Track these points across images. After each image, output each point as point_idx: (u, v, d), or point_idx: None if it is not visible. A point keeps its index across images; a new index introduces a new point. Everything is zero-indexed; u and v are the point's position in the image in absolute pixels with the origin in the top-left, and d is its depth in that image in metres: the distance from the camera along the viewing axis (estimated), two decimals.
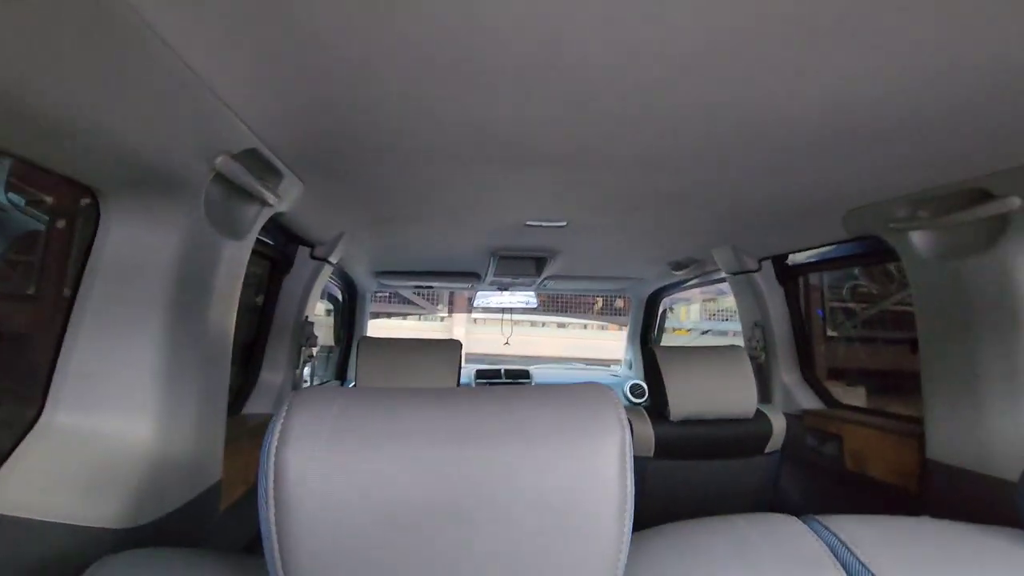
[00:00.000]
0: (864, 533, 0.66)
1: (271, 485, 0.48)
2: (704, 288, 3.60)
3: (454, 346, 1.66)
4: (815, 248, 1.81)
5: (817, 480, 1.77)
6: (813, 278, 2.17)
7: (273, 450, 0.49)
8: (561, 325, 10.80)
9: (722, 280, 2.44)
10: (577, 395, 0.53)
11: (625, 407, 1.73)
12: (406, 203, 1.53)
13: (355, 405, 0.53)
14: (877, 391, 2.14)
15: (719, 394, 1.62)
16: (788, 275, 2.02)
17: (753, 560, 0.60)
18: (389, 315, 9.34)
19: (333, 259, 1.87)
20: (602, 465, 0.48)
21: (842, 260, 1.81)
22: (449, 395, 0.54)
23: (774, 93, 0.82)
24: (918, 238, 1.31)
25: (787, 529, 0.66)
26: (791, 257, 1.99)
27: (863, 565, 0.63)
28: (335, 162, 1.18)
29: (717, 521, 0.68)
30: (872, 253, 1.64)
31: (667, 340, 3.91)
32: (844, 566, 0.63)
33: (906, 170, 1.12)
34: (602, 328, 10.68)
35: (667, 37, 0.68)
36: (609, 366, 4.12)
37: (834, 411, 1.87)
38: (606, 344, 8.52)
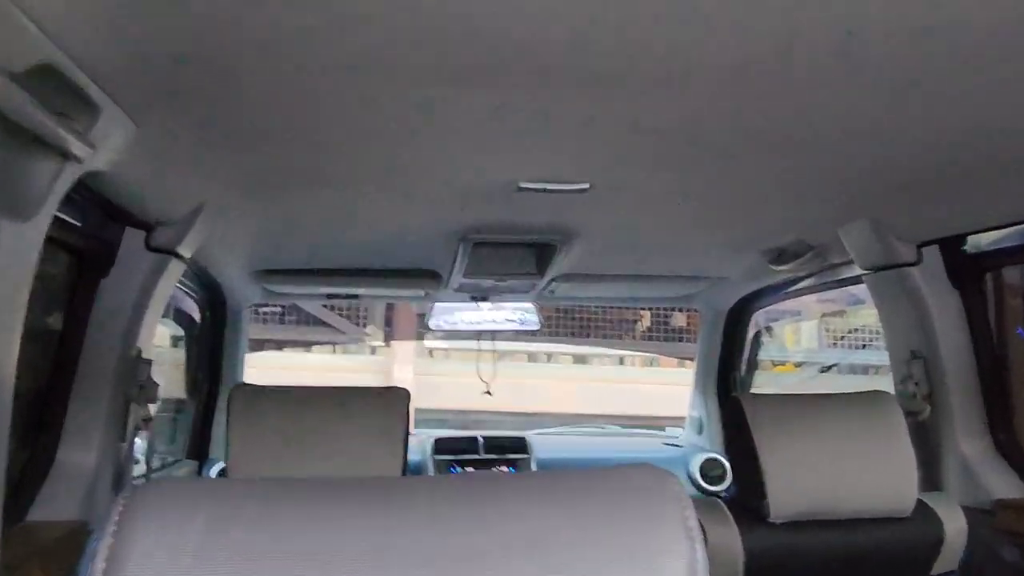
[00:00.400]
0: None
1: None
2: (823, 294, 3.67)
3: (396, 399, 1.73)
4: (1014, 225, 1.85)
5: None
6: (1012, 275, 2.21)
7: None
8: (580, 359, 10.93)
9: (855, 280, 2.49)
10: (615, 488, 0.55)
11: (694, 500, 1.79)
12: (310, 154, 1.56)
13: (233, 516, 0.54)
14: None
15: (852, 478, 1.67)
16: (969, 271, 2.07)
17: None
18: (282, 345, 9.39)
19: (185, 251, 1.89)
20: None
21: None
22: (397, 496, 0.55)
23: None
24: None
25: None
26: (972, 241, 2.03)
27: None
28: (188, 87, 1.20)
29: None
30: None
31: (764, 383, 3.94)
32: None
33: None
34: (649, 363, 10.79)
35: None
36: (663, 428, 4.16)
37: None
38: (657, 390, 8.59)
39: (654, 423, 4.79)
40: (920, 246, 2.06)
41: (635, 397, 9.04)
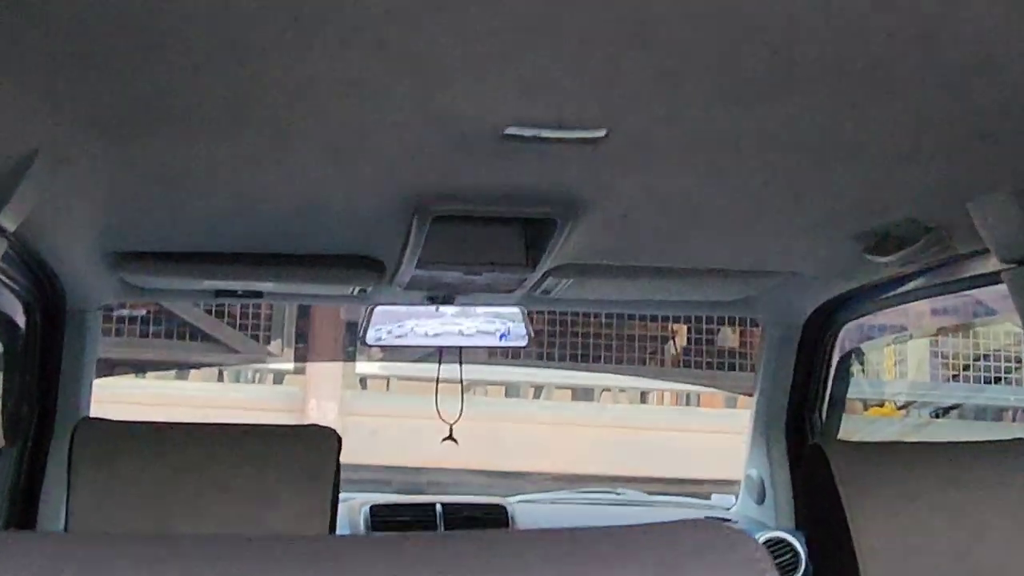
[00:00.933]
0: None
1: None
2: (936, 305, 3.71)
3: (319, 443, 1.75)
4: None
5: None
6: None
7: None
8: (584, 393, 11.07)
9: (990, 280, 2.53)
10: (665, 551, 0.56)
11: None
12: (196, 82, 1.58)
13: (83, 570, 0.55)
14: None
15: (991, 567, 1.69)
16: None
17: None
18: (143, 368, 9.36)
19: (8, 222, 1.91)
20: None
21: None
22: (315, 561, 0.56)
23: None
24: None
25: None
26: None
27: None
28: None
29: None
30: None
31: (851, 434, 3.95)
32: None
33: None
34: (686, 400, 10.89)
35: None
36: (709, 496, 4.24)
37: None
38: (698, 441, 8.65)
39: (694, 489, 4.84)
40: None
41: (665, 450, 9.15)
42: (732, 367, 9.80)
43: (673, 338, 10.70)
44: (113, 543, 0.62)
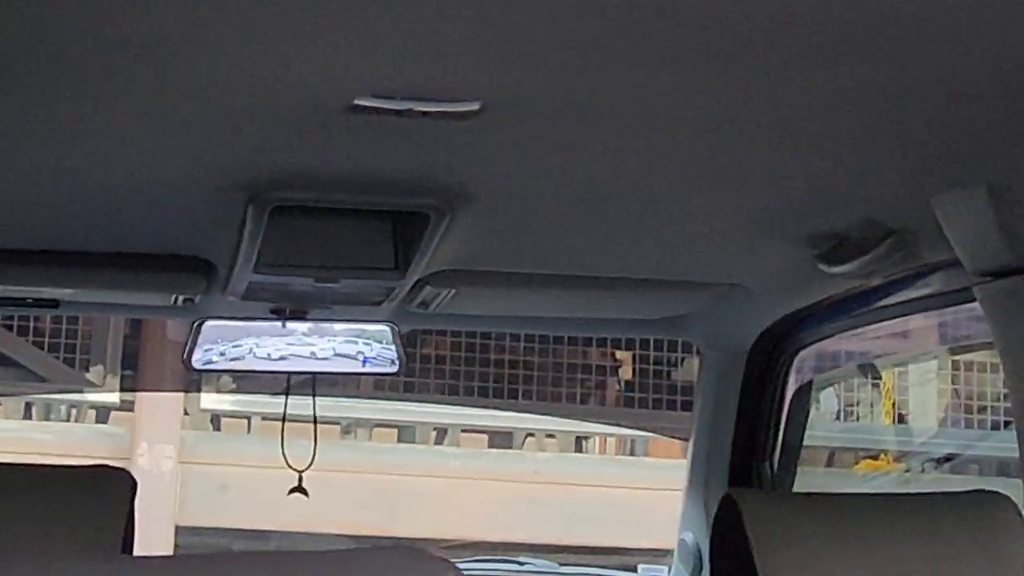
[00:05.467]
0: None
1: None
2: (949, 324, 3.80)
3: (106, 487, 1.78)
4: None
5: None
6: None
7: None
8: (502, 437, 11.00)
9: (962, 297, 2.62)
10: (368, 571, 0.64)
11: None
12: None
13: None
14: None
15: None
16: None
17: None
18: None
19: None
20: None
21: None
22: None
23: None
24: None
25: None
26: None
27: None
28: None
29: None
30: None
31: (829, 487, 4.00)
32: None
33: None
34: (628, 449, 10.94)
35: None
36: (635, 568, 4.31)
37: None
38: (646, 498, 8.70)
39: (623, 559, 4.92)
40: None
41: (604, 512, 9.19)
42: (689, 406, 9.76)
43: (620, 368, 10.73)
44: None
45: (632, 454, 10.95)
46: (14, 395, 9.56)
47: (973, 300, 2.44)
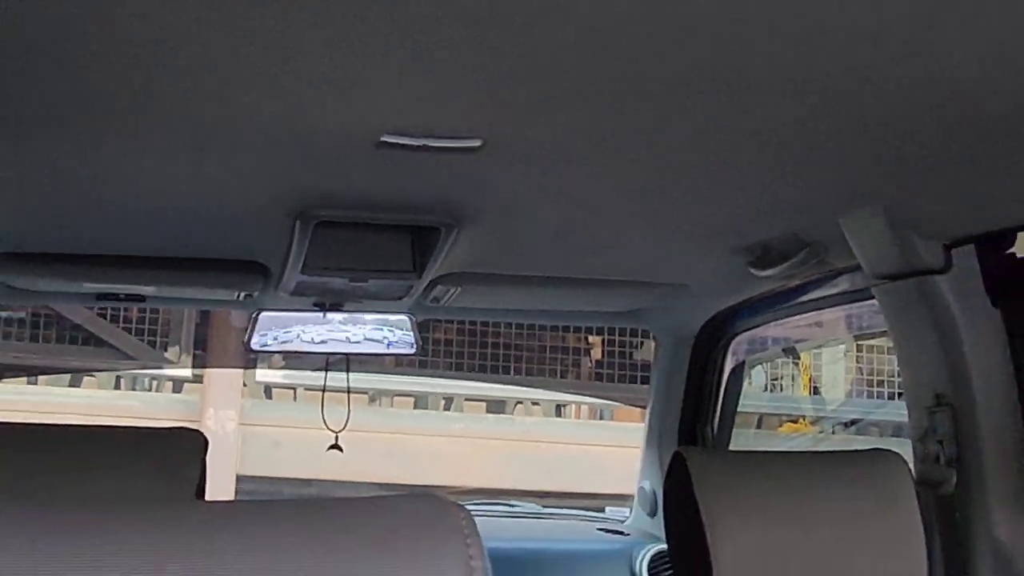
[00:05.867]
0: None
1: None
2: (856, 315, 3.78)
3: (182, 445, 1.78)
4: None
5: None
6: None
7: None
8: (497, 405, 10.96)
9: (864, 295, 2.63)
10: (388, 518, 0.65)
11: None
12: (71, 79, 1.59)
13: None
14: None
15: (837, 570, 1.78)
16: (1016, 282, 2.21)
17: None
18: (32, 373, 9.16)
19: None
20: None
21: None
22: (134, 516, 0.65)
23: None
24: None
25: None
26: (1021, 240, 2.18)
27: None
28: None
29: None
30: None
31: (756, 442, 4.01)
32: None
33: None
34: (599, 416, 10.90)
35: None
36: (603, 509, 4.29)
37: None
38: (612, 454, 8.67)
39: (593, 502, 4.90)
40: (949, 246, 2.18)
41: (576, 465, 9.15)
42: (647, 380, 9.72)
43: (590, 351, 10.68)
44: None
45: (601, 419, 10.89)
46: (107, 370, 9.48)
47: (872, 298, 2.45)
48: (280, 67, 1.55)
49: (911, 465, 2.01)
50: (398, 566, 0.63)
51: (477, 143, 1.85)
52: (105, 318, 8.83)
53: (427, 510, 0.67)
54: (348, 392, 3.66)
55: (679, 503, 1.84)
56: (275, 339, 3.44)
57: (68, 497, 1.67)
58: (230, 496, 7.39)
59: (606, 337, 10.02)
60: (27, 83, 1.63)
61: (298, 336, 3.43)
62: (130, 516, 0.66)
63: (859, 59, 1.44)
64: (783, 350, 5.93)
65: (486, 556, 0.64)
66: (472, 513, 2.50)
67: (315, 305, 3.23)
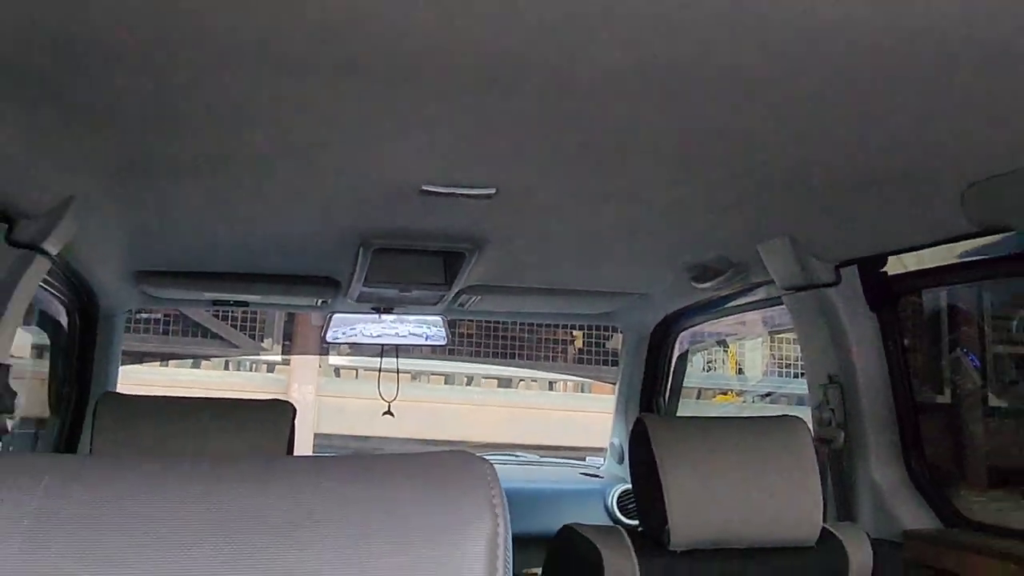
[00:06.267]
0: None
1: None
2: (771, 315, 3.77)
3: (277, 412, 1.77)
4: (928, 246, 2.00)
5: None
6: (955, 299, 2.36)
7: None
8: (505, 382, 10.92)
9: (776, 302, 2.63)
10: (430, 467, 0.65)
11: (599, 529, 1.86)
12: (193, 145, 1.59)
13: (75, 481, 0.62)
14: None
15: (757, 505, 1.76)
16: (887, 294, 2.22)
17: None
18: (166, 359, 9.20)
19: (52, 247, 1.90)
20: (463, 573, 0.60)
21: (966, 268, 2.01)
22: (227, 469, 0.65)
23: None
24: None
25: None
26: (893, 262, 2.19)
27: None
28: (47, 72, 1.22)
29: None
30: (1013, 258, 1.85)
31: (697, 410, 4.01)
32: None
33: None
34: (580, 389, 10.88)
35: None
36: (584, 458, 4.26)
37: (955, 534, 2.06)
38: (590, 418, 8.69)
39: (576, 453, 4.89)
40: (839, 266, 2.19)
41: (564, 426, 9.11)
42: (616, 364, 9.71)
43: (573, 342, 10.63)
44: (119, 466, 0.65)
45: (582, 392, 10.81)
46: (219, 356, 9.47)
47: (781, 304, 2.45)
48: (352, 142, 1.57)
49: (810, 426, 2.00)
50: (436, 507, 0.63)
51: (492, 191, 1.86)
52: (218, 318, 8.82)
53: (458, 462, 0.67)
54: (397, 372, 3.65)
55: (640, 454, 1.83)
56: (343, 333, 3.45)
57: (190, 452, 1.68)
58: (309, 447, 7.37)
59: (586, 332, 9.97)
60: (170, 151, 1.64)
61: (360, 331, 3.43)
62: (235, 467, 0.66)
63: (771, 132, 1.45)
64: (716, 342, 5.94)
65: (504, 495, 0.64)
66: (486, 460, 2.45)
67: (373, 309, 3.21)
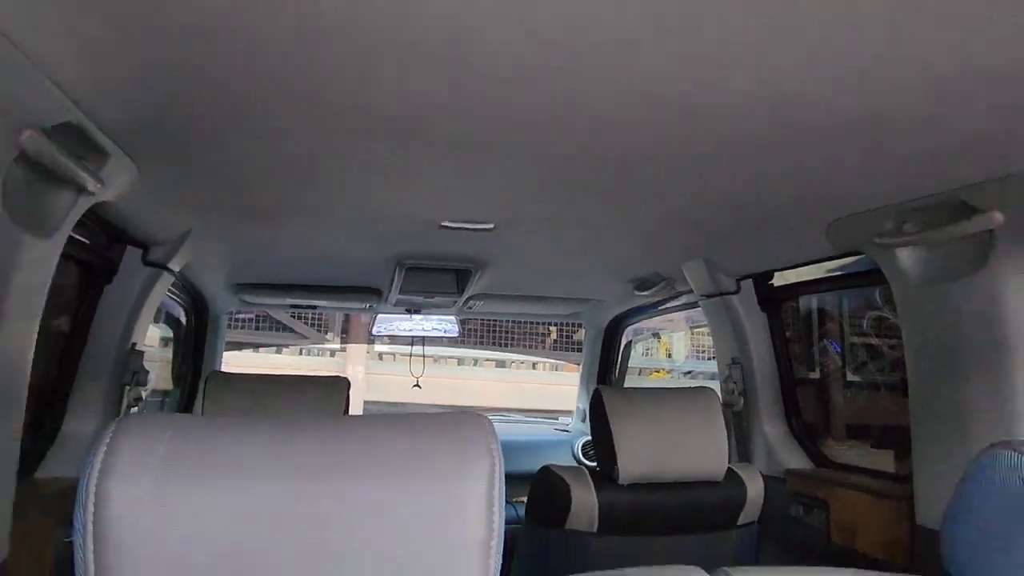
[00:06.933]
0: None
1: (89, 522, 0.56)
2: (691, 315, 3.78)
3: (337, 385, 1.76)
4: (801, 266, 2.02)
5: (801, 558, 1.94)
6: (823, 303, 2.37)
7: (93, 482, 0.57)
8: (501, 363, 10.89)
9: (695, 305, 2.62)
10: (443, 424, 0.65)
11: (568, 469, 1.86)
12: (276, 192, 1.60)
13: (190, 434, 0.62)
14: (902, 451, 2.36)
15: (681, 451, 1.77)
16: (772, 299, 2.22)
17: None
18: (256, 347, 9.17)
19: (175, 266, 1.91)
20: (467, 496, 0.60)
21: (830, 281, 2.02)
22: (297, 426, 0.65)
23: (746, 81, 0.93)
24: (905, 256, 1.52)
25: None
26: (777, 276, 2.19)
27: None
28: (180, 139, 1.23)
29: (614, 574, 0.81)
30: (864, 273, 1.86)
31: (638, 383, 4.04)
32: None
33: (889, 177, 1.31)
34: (555, 368, 10.87)
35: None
36: (558, 418, 4.24)
37: (821, 471, 2.07)
38: (563, 389, 8.67)
39: (552, 414, 4.87)
40: (739, 279, 2.19)
41: (543, 394, 9.08)
42: (580, 350, 9.67)
43: (549, 334, 10.59)
44: (222, 426, 0.66)
45: (556, 371, 10.77)
46: (295, 345, 9.43)
47: (698, 306, 2.44)
48: (391, 192, 1.56)
49: (719, 395, 2.01)
50: (450, 451, 0.64)
51: (491, 226, 1.85)
52: (294, 317, 8.78)
53: (466, 420, 0.67)
54: (423, 356, 3.64)
55: (597, 415, 1.83)
56: (384, 328, 3.42)
57: (274, 413, 1.66)
58: (360, 410, 7.34)
59: (559, 327, 9.95)
60: (263, 198, 1.64)
61: (396, 327, 3.41)
62: (308, 424, 0.66)
63: (688, 185, 1.44)
64: (652, 334, 5.94)
65: (499, 443, 0.65)
66: (487, 418, 2.42)
67: (406, 310, 3.20)
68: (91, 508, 0.57)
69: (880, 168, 1.27)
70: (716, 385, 2.33)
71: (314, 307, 3.21)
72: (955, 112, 1.01)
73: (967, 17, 0.77)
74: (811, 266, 2.00)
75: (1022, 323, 1.33)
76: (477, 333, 9.51)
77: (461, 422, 0.66)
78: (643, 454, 1.75)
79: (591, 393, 1.89)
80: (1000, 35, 0.80)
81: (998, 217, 1.27)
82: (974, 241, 1.37)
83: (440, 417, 0.67)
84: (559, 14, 0.79)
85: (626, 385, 3.72)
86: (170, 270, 1.90)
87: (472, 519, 0.60)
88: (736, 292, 2.20)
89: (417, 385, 3.63)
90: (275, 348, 9.48)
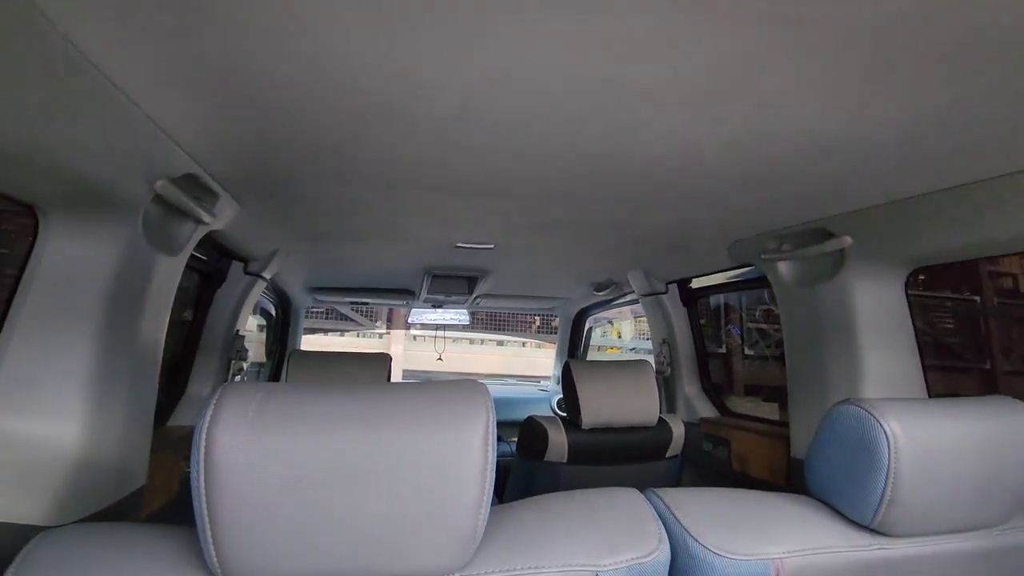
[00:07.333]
0: (685, 500, 0.85)
1: (202, 459, 0.57)
2: (634, 308, 3.79)
3: (382, 359, 1.73)
4: (711, 273, 2.02)
5: (711, 480, 1.95)
6: (727, 299, 2.37)
7: (205, 429, 0.58)
8: (500, 343, 10.83)
9: (636, 301, 2.62)
10: (453, 388, 0.66)
11: (546, 418, 1.85)
12: (340, 223, 1.59)
13: (274, 396, 0.63)
14: (782, 404, 2.36)
15: (626, 404, 1.75)
16: (691, 297, 2.22)
17: (594, 520, 0.74)
18: (326, 331, 9.09)
19: (267, 274, 1.89)
20: (470, 437, 0.61)
21: (732, 284, 2.03)
22: (351, 390, 0.65)
23: (669, 147, 0.94)
24: (783, 267, 1.53)
25: (627, 498, 0.82)
26: (695, 281, 2.20)
27: (678, 522, 0.80)
28: (271, 185, 1.23)
29: (575, 494, 0.82)
30: (756, 279, 1.87)
31: (596, 357, 4.03)
32: (665, 524, 0.81)
33: (772, 211, 1.32)
34: (539, 346, 10.84)
35: (570, 89, 0.76)
36: (540, 381, 4.22)
37: (725, 419, 2.07)
38: (544, 361, 8.67)
39: (536, 379, 4.87)
40: (668, 283, 2.19)
41: (530, 365, 9.06)
42: (556, 333, 9.60)
43: (534, 322, 10.54)
44: (297, 390, 0.66)
45: (539, 348, 10.70)
46: (353, 330, 9.36)
47: (639, 303, 2.41)
48: (420, 221, 1.52)
49: (654, 365, 2.00)
50: (456, 407, 0.64)
51: (492, 246, 1.83)
52: (353, 309, 8.72)
53: (468, 384, 0.67)
54: (444, 338, 3.63)
55: (567, 379, 1.80)
56: (417, 318, 3.40)
57: (338, 380, 1.66)
58: (400, 378, 7.32)
59: (541, 317, 9.89)
60: (333, 227, 1.61)
61: (425, 317, 3.38)
62: (360, 388, 0.66)
63: (630, 215, 1.40)
64: (608, 321, 5.92)
65: (492, 401, 0.65)
66: (489, 382, 2.42)
67: (432, 305, 3.16)
68: (203, 448, 0.57)
69: (765, 205, 1.28)
70: (651, 358, 2.33)
71: (366, 303, 3.22)
72: (815, 168, 1.03)
73: (814, 107, 0.79)
74: (718, 274, 2.01)
75: (864, 315, 1.35)
76: (483, 322, 9.47)
77: (464, 387, 0.66)
78: (599, 407, 1.74)
79: (563, 364, 1.88)
80: (839, 121, 0.82)
81: (848, 240, 1.28)
82: (831, 257, 1.38)
83: (451, 383, 0.67)
84: (535, 113, 0.81)
85: (588, 358, 3.71)
86: (263, 277, 1.89)
87: (473, 452, 0.61)
88: (665, 292, 2.20)
89: (440, 359, 3.61)
90: (339, 332, 9.44)
